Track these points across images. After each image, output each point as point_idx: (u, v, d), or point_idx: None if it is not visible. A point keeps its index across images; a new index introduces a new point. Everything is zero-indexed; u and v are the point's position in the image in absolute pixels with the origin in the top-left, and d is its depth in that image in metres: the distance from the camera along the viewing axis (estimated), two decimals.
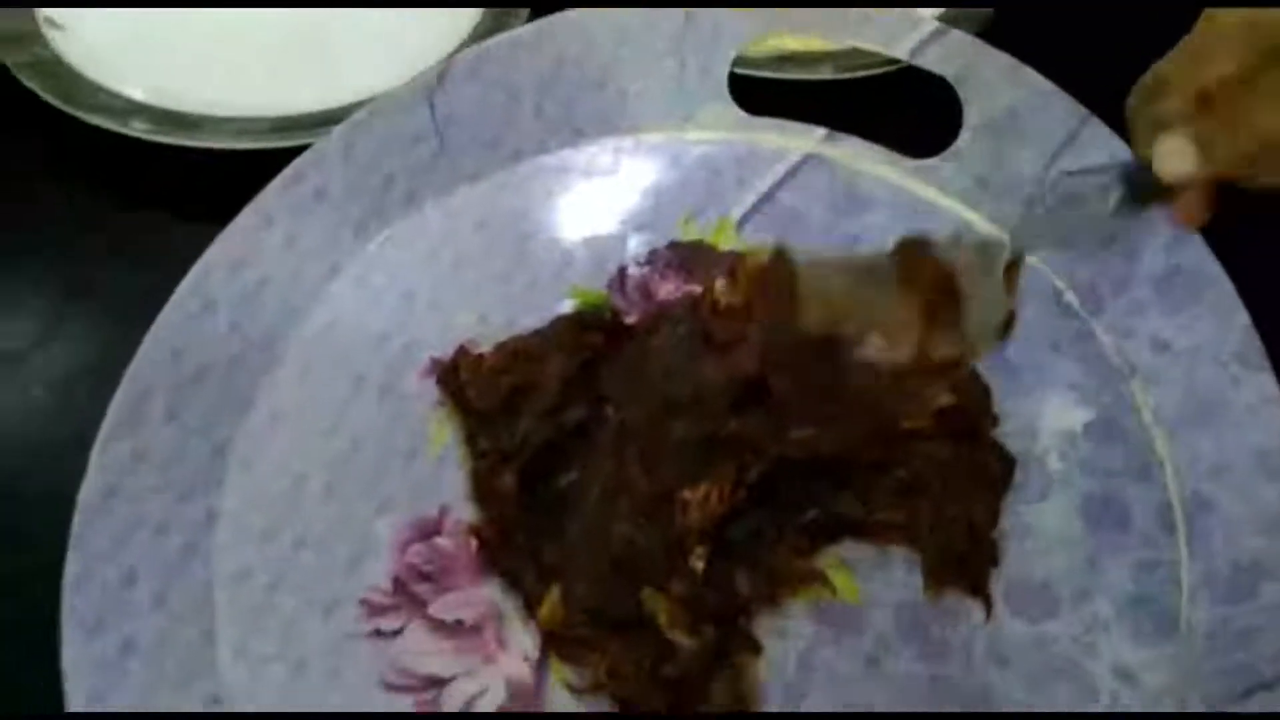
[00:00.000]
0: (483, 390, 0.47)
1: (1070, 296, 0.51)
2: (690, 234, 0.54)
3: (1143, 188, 0.42)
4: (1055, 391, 0.49)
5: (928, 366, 0.42)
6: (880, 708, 0.43)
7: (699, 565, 0.44)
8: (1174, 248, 0.49)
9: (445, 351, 0.49)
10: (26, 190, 0.59)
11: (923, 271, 0.43)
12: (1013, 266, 0.43)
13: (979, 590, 0.44)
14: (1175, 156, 0.41)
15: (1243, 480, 0.46)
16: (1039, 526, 0.46)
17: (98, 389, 0.47)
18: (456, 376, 0.48)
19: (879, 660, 0.44)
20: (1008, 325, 0.43)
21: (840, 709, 0.43)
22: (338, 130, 0.52)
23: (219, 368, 0.47)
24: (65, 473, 0.45)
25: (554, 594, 0.43)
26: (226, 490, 0.46)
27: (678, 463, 0.46)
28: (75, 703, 0.40)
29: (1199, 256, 0.49)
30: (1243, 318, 0.48)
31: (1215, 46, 0.41)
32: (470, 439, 0.47)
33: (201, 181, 0.58)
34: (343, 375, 0.49)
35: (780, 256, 0.43)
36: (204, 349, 0.47)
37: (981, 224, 0.52)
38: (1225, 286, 0.48)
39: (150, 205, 0.59)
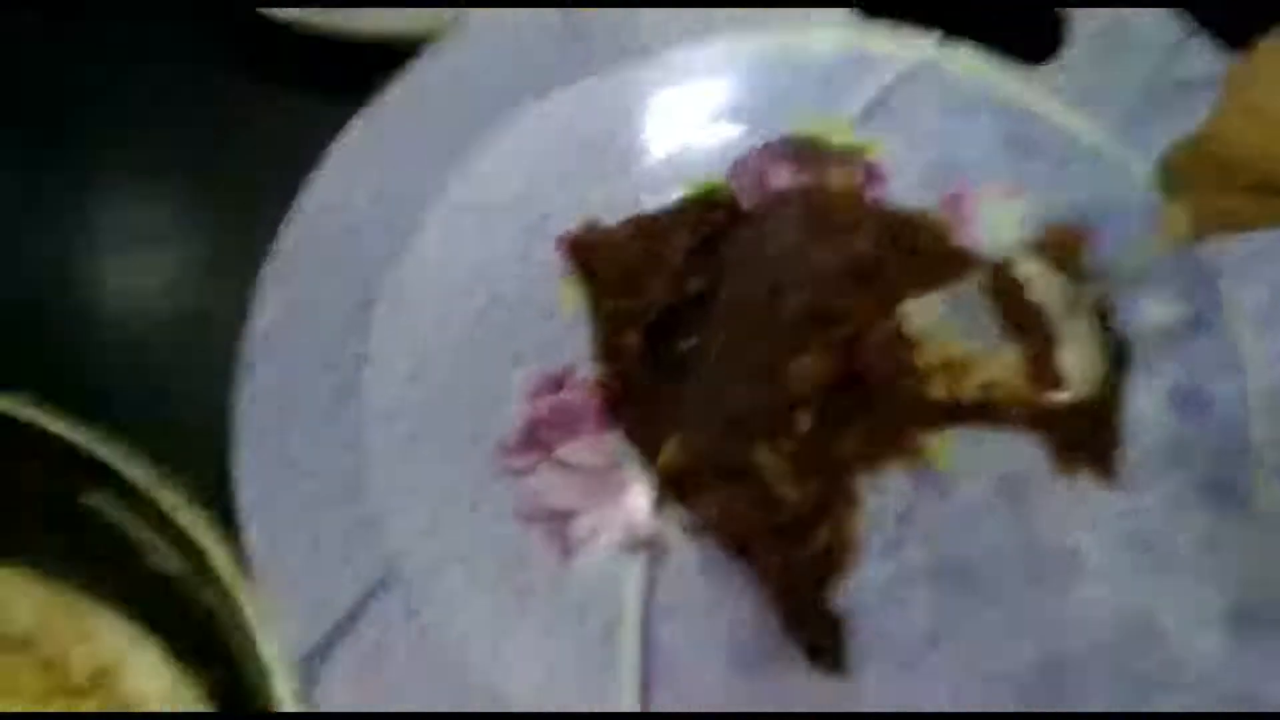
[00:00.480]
0: (609, 260, 0.51)
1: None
2: (805, 131, 0.56)
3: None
4: (1153, 289, 0.51)
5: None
6: (974, 562, 0.46)
7: (804, 425, 0.48)
8: None
9: (574, 224, 0.53)
10: (160, 72, 0.59)
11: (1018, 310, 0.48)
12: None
13: (1107, 468, 0.47)
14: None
15: None
16: (1131, 408, 0.49)
17: (235, 269, 0.51)
18: (586, 247, 0.51)
19: (974, 521, 0.47)
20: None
21: (934, 562, 0.46)
22: (476, 15, 0.56)
23: (368, 227, 0.51)
24: (204, 347, 0.50)
25: (672, 443, 0.47)
26: (375, 338, 0.50)
27: (787, 334, 0.49)
28: (245, 509, 0.45)
29: None
30: None
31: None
32: (597, 304, 0.51)
33: (334, 69, 0.58)
34: (481, 241, 0.53)
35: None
36: (354, 210, 0.51)
37: (1092, 134, 0.54)
38: None
39: (285, 92, 0.59)
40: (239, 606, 0.38)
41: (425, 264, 0.52)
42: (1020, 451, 0.48)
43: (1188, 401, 0.49)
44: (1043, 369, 0.48)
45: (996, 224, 0.53)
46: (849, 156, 0.55)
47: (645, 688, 0.44)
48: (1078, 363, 0.47)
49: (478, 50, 0.56)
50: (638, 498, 0.48)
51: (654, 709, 0.43)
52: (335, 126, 0.54)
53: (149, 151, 0.58)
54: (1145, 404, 0.49)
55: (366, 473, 0.47)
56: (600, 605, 0.46)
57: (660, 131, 0.56)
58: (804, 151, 0.56)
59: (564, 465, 0.49)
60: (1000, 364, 0.48)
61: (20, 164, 0.57)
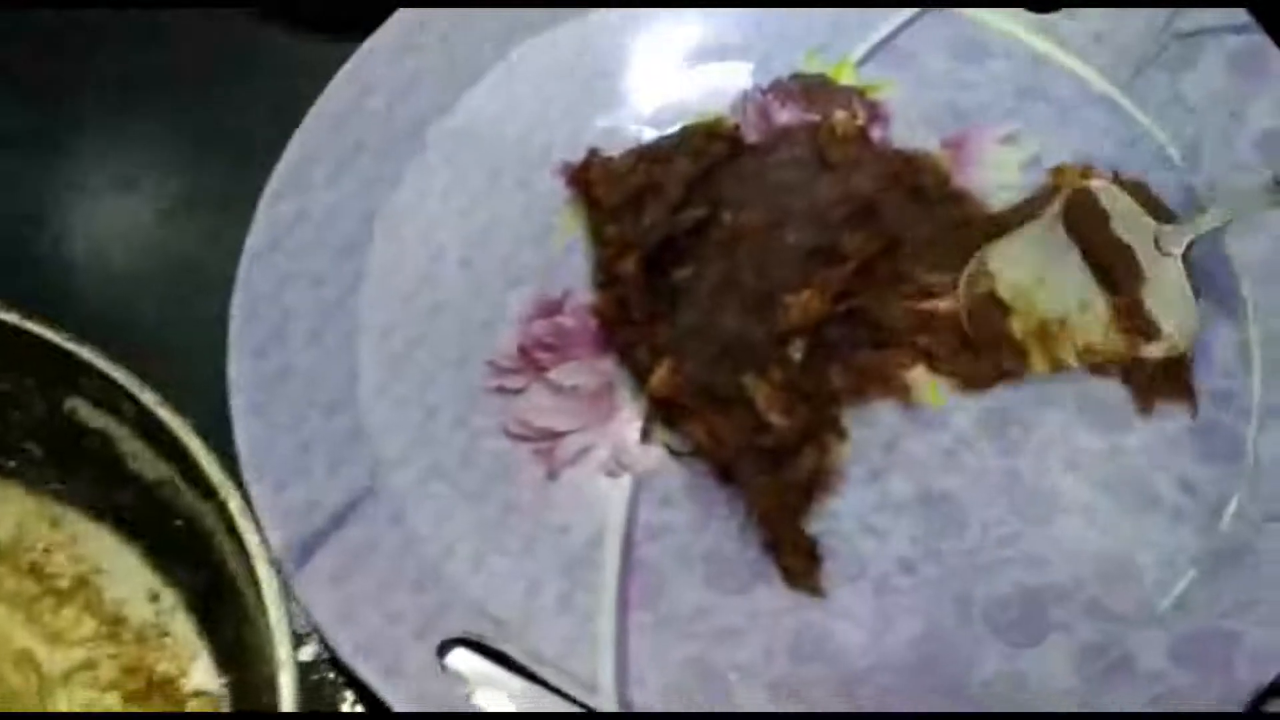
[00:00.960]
0: (610, 188, 0.51)
1: (1172, 151, 0.53)
2: (813, 67, 0.57)
3: None
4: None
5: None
6: (955, 493, 0.46)
7: (796, 356, 0.48)
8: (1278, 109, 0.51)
9: (577, 155, 0.53)
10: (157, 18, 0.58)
11: (1104, 249, 0.47)
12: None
13: (1190, 394, 0.48)
14: None
15: None
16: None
17: (203, 218, 0.52)
18: (587, 175, 0.52)
19: (957, 452, 0.47)
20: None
21: (917, 491, 0.46)
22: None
23: (374, 144, 0.52)
24: (178, 298, 0.51)
25: (665, 367, 0.47)
26: (374, 253, 0.51)
27: (785, 267, 0.49)
28: (237, 413, 0.45)
29: None
30: None
31: None
32: (596, 231, 0.51)
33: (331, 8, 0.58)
34: (482, 166, 0.53)
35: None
36: (362, 126, 0.52)
37: (1098, 82, 0.54)
38: None
39: (276, 28, 0.58)
40: (222, 506, 0.38)
41: (427, 185, 0.53)
42: (1006, 390, 0.48)
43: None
44: (1135, 319, 0.47)
45: (999, 167, 0.53)
46: (854, 96, 0.55)
47: (623, 604, 0.45)
48: (1169, 310, 0.46)
49: None
50: (627, 422, 0.48)
51: (631, 625, 0.44)
52: (332, 67, 0.53)
53: (138, 93, 0.57)
54: None
55: (357, 384, 0.48)
56: (583, 524, 0.46)
57: (666, 68, 0.56)
58: (810, 89, 0.56)
59: (556, 386, 0.49)
60: (1094, 321, 0.47)
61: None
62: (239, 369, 0.46)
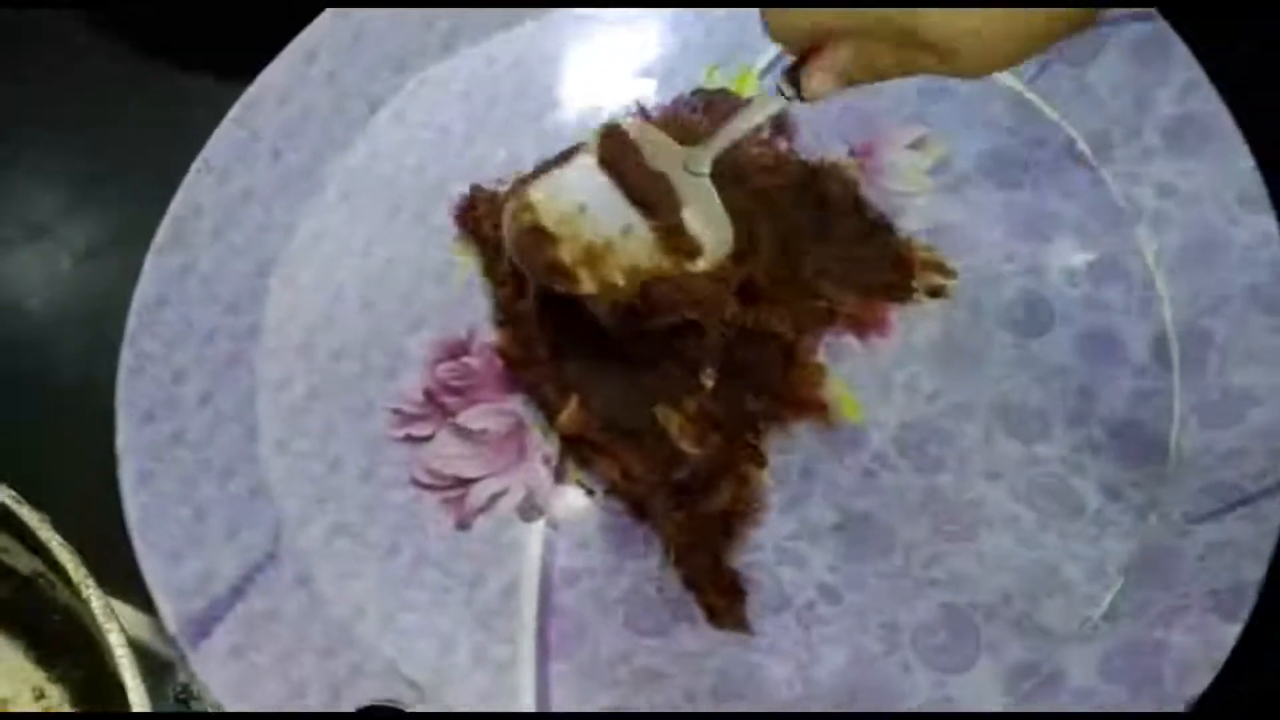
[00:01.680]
0: (497, 223, 0.50)
1: (1082, 146, 0.52)
2: (714, 82, 0.55)
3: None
4: (1062, 234, 0.51)
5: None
6: (876, 514, 0.45)
7: (709, 383, 0.47)
8: (1185, 95, 0.50)
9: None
10: (47, 59, 0.58)
11: (640, 180, 0.46)
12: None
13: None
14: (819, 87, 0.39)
15: (1238, 313, 0.47)
16: (1039, 357, 0.48)
17: (125, 258, 0.50)
18: (473, 211, 0.50)
19: (876, 473, 0.46)
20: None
21: (838, 516, 0.45)
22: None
23: (264, 191, 0.50)
24: (95, 341, 0.49)
25: (573, 403, 0.46)
26: (269, 305, 0.49)
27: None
28: (127, 482, 0.44)
29: (1208, 102, 0.50)
30: (1247, 161, 0.49)
31: None
32: (490, 268, 0.50)
33: (224, 43, 0.57)
34: (380, 204, 0.52)
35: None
36: (249, 173, 0.50)
37: (1003, 78, 0.53)
38: (1231, 130, 0.49)
39: (171, 74, 0.58)
40: (87, 607, 0.36)
41: (323, 226, 0.51)
42: (922, 402, 0.47)
43: (1102, 346, 0.48)
44: (676, 239, 0.45)
45: (908, 173, 0.52)
46: None
47: (543, 653, 0.43)
48: (708, 228, 0.45)
49: (376, 16, 0.54)
50: (538, 464, 0.47)
51: (551, 676, 0.43)
52: (221, 106, 0.52)
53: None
54: (1057, 350, 0.48)
55: (255, 443, 0.46)
56: (497, 573, 0.45)
57: (568, 89, 0.55)
58: (712, 103, 0.55)
59: (464, 431, 0.48)
60: (639, 244, 0.45)
61: None
62: (127, 436, 0.44)
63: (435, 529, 0.46)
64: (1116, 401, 0.47)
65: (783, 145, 0.53)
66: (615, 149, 0.45)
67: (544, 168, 0.47)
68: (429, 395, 0.48)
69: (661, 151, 0.45)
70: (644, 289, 0.45)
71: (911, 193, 0.52)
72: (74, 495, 0.44)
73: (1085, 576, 0.44)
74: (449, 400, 0.48)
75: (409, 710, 0.41)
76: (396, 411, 0.48)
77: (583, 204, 0.45)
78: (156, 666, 0.43)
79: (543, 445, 0.47)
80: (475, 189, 0.50)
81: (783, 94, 0.39)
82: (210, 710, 0.42)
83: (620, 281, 0.45)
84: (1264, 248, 0.48)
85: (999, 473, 0.46)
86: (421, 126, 0.53)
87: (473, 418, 0.48)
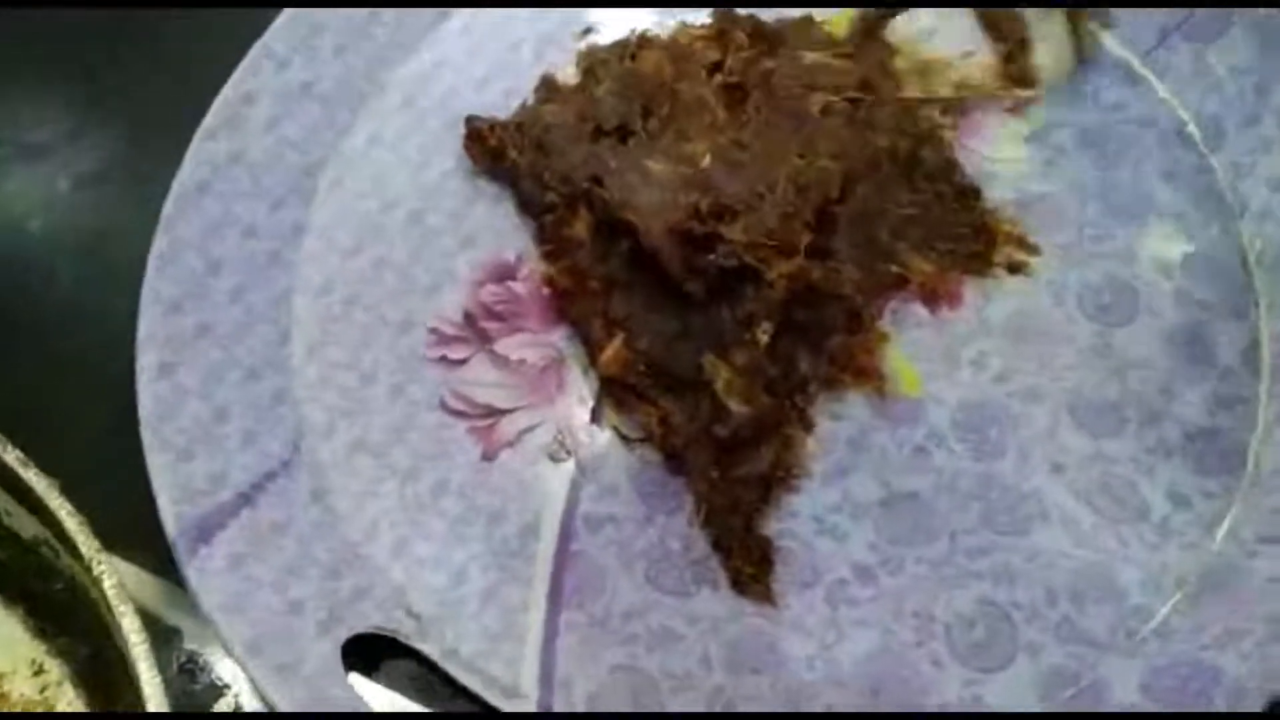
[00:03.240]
0: (515, 142, 0.47)
1: (1193, 129, 0.49)
2: None
3: None
4: (1160, 221, 0.47)
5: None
6: (924, 496, 0.42)
7: (764, 338, 0.44)
8: None
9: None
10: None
11: (1003, 20, 0.50)
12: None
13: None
14: None
15: None
16: (1120, 349, 0.45)
17: (119, 185, 0.49)
18: (485, 145, 0.48)
19: (930, 452, 0.43)
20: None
21: (883, 492, 0.43)
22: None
23: (323, 87, 0.48)
24: (94, 266, 0.48)
25: (617, 342, 0.43)
26: (316, 206, 0.47)
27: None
28: (145, 373, 0.42)
29: None
30: None
31: None
32: (526, 200, 0.47)
33: None
34: (440, 114, 0.49)
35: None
36: (310, 66, 0.48)
37: (1115, 48, 0.50)
38: None
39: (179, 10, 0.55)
40: (95, 577, 0.34)
41: (379, 133, 0.49)
42: (988, 382, 0.44)
43: (1188, 344, 0.45)
44: (1015, 67, 0.49)
45: (1003, 139, 0.50)
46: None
47: (555, 600, 0.41)
48: (1049, 60, 0.48)
49: None
50: (575, 402, 0.44)
51: (561, 624, 0.41)
52: (231, 32, 0.50)
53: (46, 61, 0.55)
54: (1139, 344, 0.45)
55: (285, 347, 0.44)
56: (518, 511, 0.43)
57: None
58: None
59: (501, 360, 0.46)
60: (975, 65, 0.49)
61: None
62: (149, 324, 0.43)
63: (459, 457, 0.44)
64: (1197, 405, 0.44)
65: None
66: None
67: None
68: (469, 318, 0.46)
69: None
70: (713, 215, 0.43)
71: (1004, 160, 0.49)
72: (71, 428, 0.45)
73: (1140, 586, 0.41)
74: (489, 325, 0.46)
75: (407, 644, 0.39)
76: (434, 331, 0.46)
77: (933, 29, 0.49)
78: (161, 631, 0.41)
79: (581, 384, 0.45)
80: (472, 121, 0.48)
81: None
82: (215, 682, 0.41)
83: (945, 91, 0.48)
84: None
85: (1062, 466, 0.43)
86: (488, 39, 0.51)
87: (512, 346, 0.46)
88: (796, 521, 0.42)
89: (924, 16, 0.50)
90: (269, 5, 0.49)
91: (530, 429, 0.44)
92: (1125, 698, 0.39)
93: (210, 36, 0.51)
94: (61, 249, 0.50)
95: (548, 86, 0.50)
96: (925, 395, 0.44)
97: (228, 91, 0.47)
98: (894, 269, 0.47)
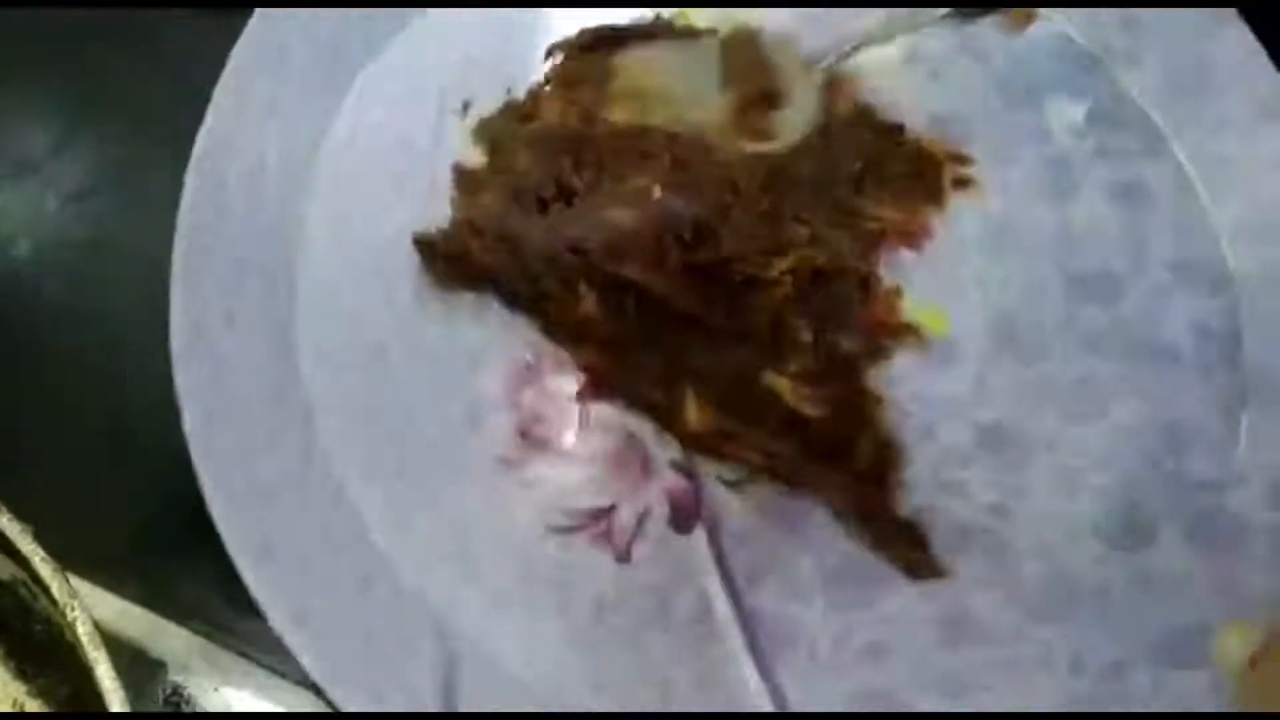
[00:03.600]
0: (477, 243, 0.46)
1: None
2: None
3: None
4: (1050, 95, 0.51)
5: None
6: (1004, 420, 0.45)
7: (806, 337, 0.45)
8: None
9: None
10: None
11: (749, 68, 0.46)
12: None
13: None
14: None
15: (1246, 130, 0.49)
16: (1080, 219, 0.48)
17: (111, 198, 0.48)
18: (444, 254, 0.47)
19: (985, 376, 0.46)
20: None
21: (971, 431, 0.45)
22: None
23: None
24: (79, 283, 0.48)
25: (692, 401, 0.43)
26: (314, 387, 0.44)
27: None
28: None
29: None
30: None
31: None
32: (517, 296, 0.46)
33: None
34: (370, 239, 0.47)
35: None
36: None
37: None
38: None
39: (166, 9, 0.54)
40: (69, 622, 0.34)
41: (331, 283, 0.46)
42: (997, 292, 0.48)
43: (1129, 194, 0.49)
44: (751, 119, 0.46)
45: (883, 68, 0.52)
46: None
47: (762, 664, 0.42)
48: (797, 117, 0.46)
49: None
50: (667, 470, 0.44)
51: (782, 684, 0.41)
52: (212, 42, 0.48)
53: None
54: (1090, 209, 0.49)
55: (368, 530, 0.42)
56: (679, 596, 0.43)
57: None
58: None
59: (575, 458, 0.45)
60: (704, 109, 0.46)
61: None
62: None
63: (598, 571, 0.43)
64: (1165, 241, 0.48)
65: None
66: (740, 45, 0.46)
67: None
68: (523, 434, 0.45)
69: (782, 51, 0.46)
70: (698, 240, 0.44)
71: (896, 88, 0.51)
72: (59, 456, 0.45)
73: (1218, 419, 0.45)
74: (545, 431, 0.45)
75: None
76: (502, 460, 0.44)
77: (668, 85, 0.46)
78: (146, 664, 0.41)
79: (661, 450, 0.44)
80: (422, 237, 0.46)
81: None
82: (202, 712, 0.41)
83: (656, 118, 0.45)
84: (1250, 59, 0.50)
85: (1095, 343, 0.47)
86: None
87: (578, 443, 0.45)
88: (920, 493, 0.44)
89: (665, 50, 0.48)
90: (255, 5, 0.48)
91: (645, 514, 0.44)
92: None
93: (199, 41, 0.49)
94: (51, 268, 0.50)
95: (464, 177, 0.48)
96: (955, 330, 0.47)
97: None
98: (868, 225, 0.48)
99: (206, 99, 0.46)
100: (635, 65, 0.47)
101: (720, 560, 0.43)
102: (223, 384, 0.42)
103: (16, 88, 0.53)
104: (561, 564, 0.43)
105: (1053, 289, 0.47)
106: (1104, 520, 0.44)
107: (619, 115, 0.45)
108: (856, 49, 0.49)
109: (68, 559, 0.35)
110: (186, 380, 0.41)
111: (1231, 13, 0.50)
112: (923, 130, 0.50)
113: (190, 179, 0.44)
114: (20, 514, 0.35)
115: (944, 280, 0.47)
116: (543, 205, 0.47)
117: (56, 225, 0.50)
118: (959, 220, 0.49)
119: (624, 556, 0.43)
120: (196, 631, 0.44)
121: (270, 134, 0.47)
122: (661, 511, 0.44)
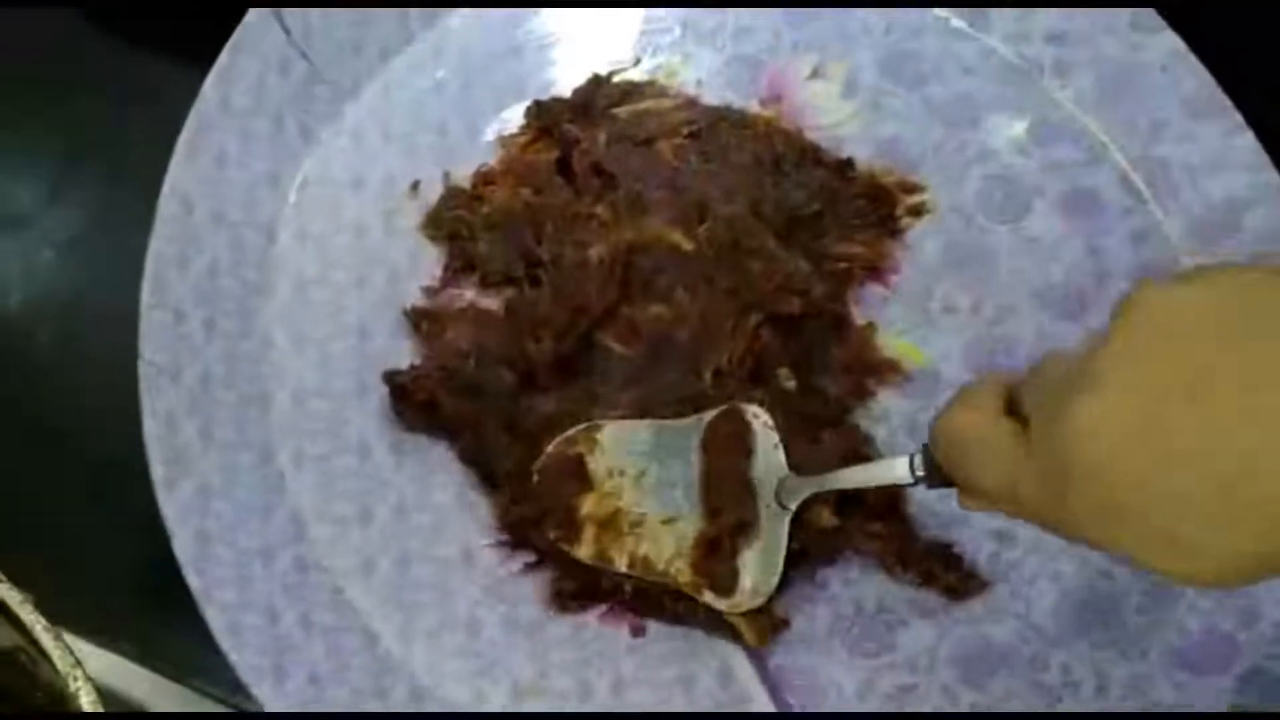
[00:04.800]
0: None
1: (958, 22, 0.53)
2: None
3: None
4: (988, 114, 0.51)
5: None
6: None
7: (791, 384, 0.45)
8: None
9: None
10: (18, 51, 0.55)
11: (722, 492, 0.43)
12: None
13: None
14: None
15: (1181, 131, 0.50)
16: (1036, 235, 0.49)
17: (106, 245, 0.49)
18: (417, 391, 0.45)
19: None
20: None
21: None
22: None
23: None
24: (79, 331, 0.48)
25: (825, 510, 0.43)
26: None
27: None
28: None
29: None
30: None
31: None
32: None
33: (193, 26, 0.53)
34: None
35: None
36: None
37: None
38: None
39: (144, 55, 0.55)
40: (72, 692, 0.34)
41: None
42: (967, 318, 0.48)
43: (1079, 204, 0.50)
44: (716, 562, 0.42)
45: (823, 104, 0.52)
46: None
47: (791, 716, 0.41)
48: (758, 566, 0.42)
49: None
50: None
51: None
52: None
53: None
54: (1045, 225, 0.50)
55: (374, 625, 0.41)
56: (704, 664, 0.43)
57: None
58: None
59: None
60: (671, 538, 0.43)
61: None
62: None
63: (612, 649, 0.42)
64: (1124, 247, 0.49)
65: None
66: (726, 434, 0.43)
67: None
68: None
69: (766, 458, 0.42)
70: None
71: (838, 123, 0.52)
72: (60, 514, 0.46)
73: None
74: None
75: None
76: (499, 545, 0.43)
77: (645, 471, 0.43)
78: None
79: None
80: (389, 378, 0.45)
81: (916, 476, 0.36)
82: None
83: (620, 564, 0.42)
84: (1178, 62, 0.51)
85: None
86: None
87: None
88: (933, 519, 0.44)
89: (643, 454, 0.44)
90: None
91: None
92: None
93: (184, 90, 0.48)
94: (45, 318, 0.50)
95: (422, 318, 0.47)
96: (931, 358, 0.47)
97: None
98: (835, 265, 0.49)
99: None
100: (614, 481, 0.43)
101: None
102: (209, 505, 0.41)
103: (6, 141, 0.53)
104: (577, 645, 0.42)
105: (1024, 311, 0.48)
106: None
107: (583, 549, 0.42)
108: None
109: (64, 617, 0.35)
110: (172, 507, 0.40)
111: (1150, 13, 0.50)
112: (870, 160, 0.50)
113: (146, 294, 0.43)
114: (16, 567, 0.35)
115: (914, 311, 0.48)
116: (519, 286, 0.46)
117: (50, 276, 0.50)
118: (920, 249, 0.49)
119: (638, 630, 0.42)
120: (194, 689, 0.43)
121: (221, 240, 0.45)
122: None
